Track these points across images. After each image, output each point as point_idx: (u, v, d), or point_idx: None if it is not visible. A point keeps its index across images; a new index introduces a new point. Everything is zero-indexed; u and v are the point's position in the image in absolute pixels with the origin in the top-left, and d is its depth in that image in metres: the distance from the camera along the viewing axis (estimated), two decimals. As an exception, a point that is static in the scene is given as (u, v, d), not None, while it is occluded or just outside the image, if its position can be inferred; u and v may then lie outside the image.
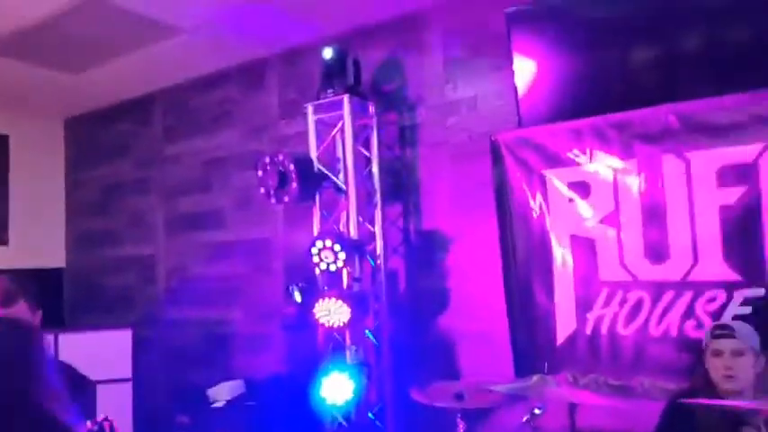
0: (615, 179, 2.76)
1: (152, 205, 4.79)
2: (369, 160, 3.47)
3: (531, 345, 2.92)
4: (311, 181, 3.18)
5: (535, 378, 2.33)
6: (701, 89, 2.57)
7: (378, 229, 3.40)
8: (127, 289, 4.87)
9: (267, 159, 3.11)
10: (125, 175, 5.01)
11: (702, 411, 2.12)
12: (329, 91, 3.31)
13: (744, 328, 2.19)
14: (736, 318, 2.41)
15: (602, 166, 2.78)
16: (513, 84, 3.04)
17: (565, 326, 2.85)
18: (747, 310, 2.44)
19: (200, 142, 4.51)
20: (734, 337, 2.12)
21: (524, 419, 2.21)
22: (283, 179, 3.06)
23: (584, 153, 2.82)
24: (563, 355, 2.82)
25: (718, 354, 2.13)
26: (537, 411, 2.20)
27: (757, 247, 2.44)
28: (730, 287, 2.50)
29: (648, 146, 2.67)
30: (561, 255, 2.89)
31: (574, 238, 2.86)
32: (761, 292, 2.43)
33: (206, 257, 4.41)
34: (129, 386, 4.14)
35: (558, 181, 2.90)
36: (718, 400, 2.09)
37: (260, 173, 3.16)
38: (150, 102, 4.84)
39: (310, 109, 3.41)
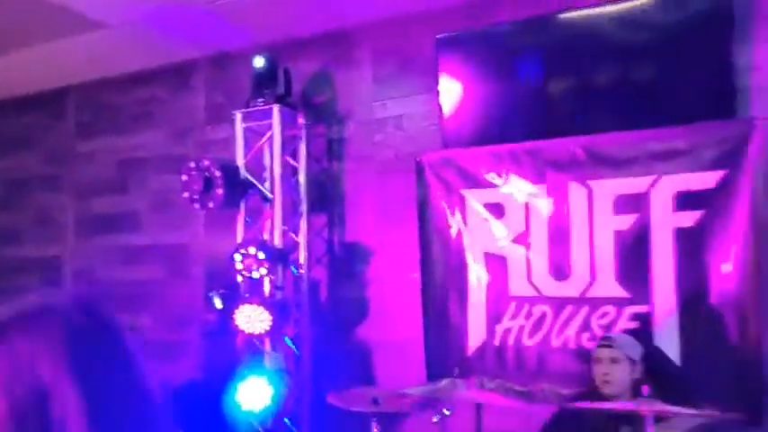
0: (527, 202, 2.99)
1: (61, 204, 4.55)
2: (296, 170, 3.52)
3: (444, 354, 3.08)
4: (237, 188, 3.19)
5: (445, 381, 2.48)
6: (607, 122, 2.85)
7: (302, 239, 3.45)
8: (28, 292, 4.56)
9: (192, 164, 3.09)
10: (31, 170, 4.73)
11: (589, 413, 2.36)
12: (259, 100, 3.34)
13: (623, 339, 2.46)
14: (624, 331, 2.69)
15: (516, 189, 3.01)
16: (439, 105, 3.22)
17: (476, 337, 3.04)
18: (634, 324, 2.74)
19: (118, 141, 4.35)
20: (611, 347, 2.38)
21: (434, 420, 2.35)
22: (209, 184, 3.06)
23: (501, 176, 3.04)
24: (472, 364, 3.01)
25: (598, 361, 2.39)
26: (446, 412, 2.35)
27: (644, 269, 2.75)
28: (620, 304, 2.79)
29: (557, 173, 2.92)
30: (476, 271, 3.08)
31: (487, 255, 3.07)
32: (645, 308, 2.74)
33: (118, 261, 4.26)
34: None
35: (475, 201, 3.10)
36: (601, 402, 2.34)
37: (184, 177, 3.13)
38: (63, 95, 4.61)
39: (239, 116, 3.42)
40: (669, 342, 2.68)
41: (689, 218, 2.69)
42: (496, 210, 3.05)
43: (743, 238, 2.58)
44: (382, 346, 3.38)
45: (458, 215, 3.13)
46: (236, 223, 3.37)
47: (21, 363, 0.79)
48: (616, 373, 2.36)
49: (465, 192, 3.12)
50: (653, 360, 2.55)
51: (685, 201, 2.69)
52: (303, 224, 3.48)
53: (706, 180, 2.66)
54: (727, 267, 2.60)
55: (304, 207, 3.49)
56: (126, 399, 0.80)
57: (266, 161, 3.45)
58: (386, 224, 3.45)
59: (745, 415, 2.28)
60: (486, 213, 3.07)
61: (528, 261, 2.97)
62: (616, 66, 2.89)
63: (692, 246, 2.67)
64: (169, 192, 3.96)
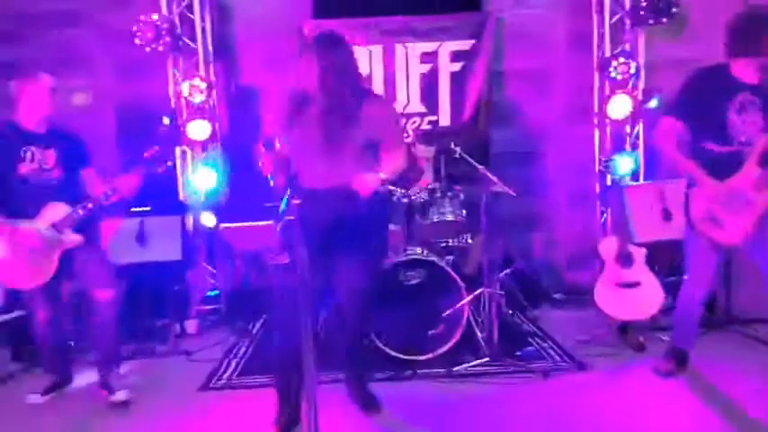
0: (370, 55, 4.90)
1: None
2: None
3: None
4: (173, 38, 4.38)
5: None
6: (414, 9, 4.86)
7: (212, 80, 4.80)
8: None
9: (142, 17, 4.19)
10: None
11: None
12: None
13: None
14: (424, 131, 4.89)
15: (365, 48, 4.89)
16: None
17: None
18: (430, 127, 4.96)
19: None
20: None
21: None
22: (158, 35, 4.22)
23: (355, 38, 4.86)
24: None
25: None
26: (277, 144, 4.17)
27: (435, 95, 4.96)
28: (422, 115, 4.98)
29: (388, 37, 4.88)
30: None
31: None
32: (435, 117, 4.98)
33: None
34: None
35: (338, 54, 4.88)
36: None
37: (134, 27, 4.21)
38: None
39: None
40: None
41: (457, 66, 4.94)
42: (353, 61, 4.89)
43: (482, 78, 4.93)
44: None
45: (328, 63, 4.88)
46: (168, 67, 4.56)
47: None
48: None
49: (331, 48, 4.87)
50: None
51: (455, 56, 4.92)
52: (211, 69, 4.82)
53: (465, 45, 4.91)
54: (474, 94, 4.95)
55: (210, 56, 4.81)
56: None
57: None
58: (274, 72, 4.97)
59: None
60: (345, 63, 4.89)
61: (371, 92, 4.93)
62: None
63: (458, 82, 4.94)
64: (69, 47, 4.78)
